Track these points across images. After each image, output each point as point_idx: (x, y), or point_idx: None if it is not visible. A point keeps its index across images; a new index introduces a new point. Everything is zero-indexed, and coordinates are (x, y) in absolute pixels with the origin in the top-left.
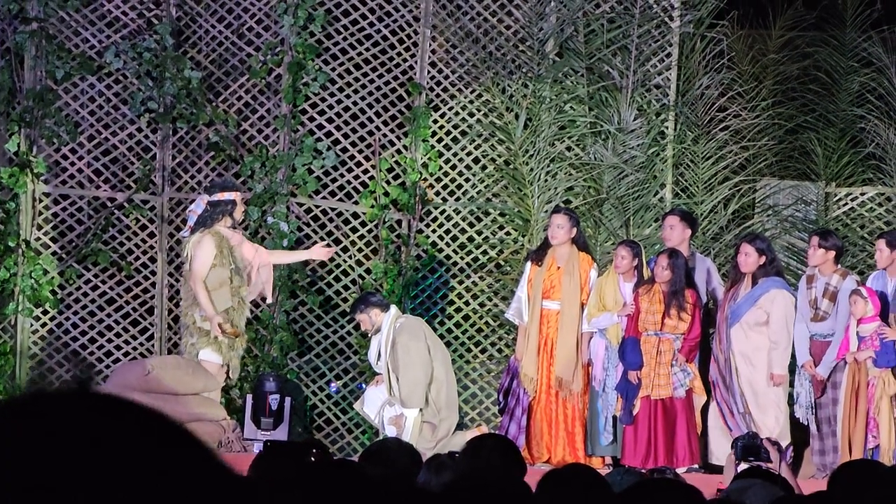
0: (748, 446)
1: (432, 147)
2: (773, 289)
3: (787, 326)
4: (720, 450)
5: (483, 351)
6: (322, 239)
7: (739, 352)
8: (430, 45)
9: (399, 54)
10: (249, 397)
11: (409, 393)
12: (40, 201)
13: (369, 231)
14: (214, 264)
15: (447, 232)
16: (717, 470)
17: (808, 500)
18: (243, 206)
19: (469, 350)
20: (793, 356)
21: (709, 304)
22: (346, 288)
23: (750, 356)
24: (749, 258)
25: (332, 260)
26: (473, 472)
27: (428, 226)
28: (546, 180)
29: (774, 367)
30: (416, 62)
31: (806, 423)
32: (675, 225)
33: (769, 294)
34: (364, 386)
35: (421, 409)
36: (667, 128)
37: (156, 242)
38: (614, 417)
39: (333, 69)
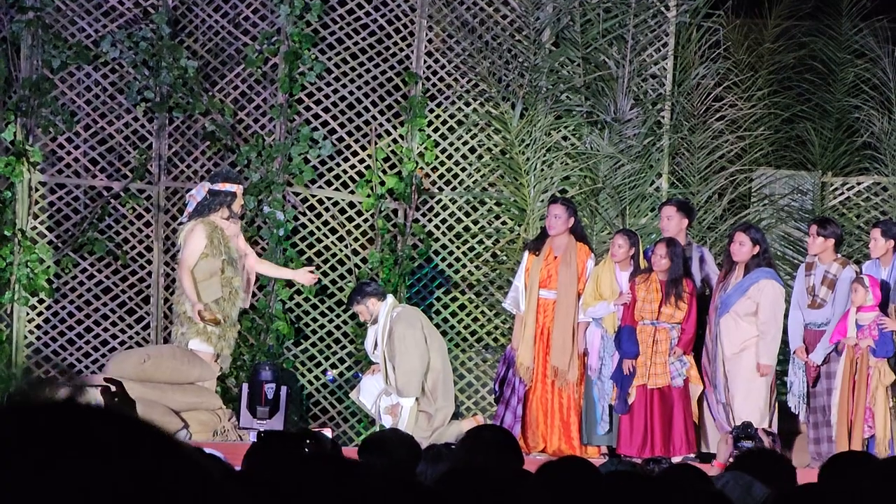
0: (743, 426)
1: (428, 136)
2: (762, 279)
3: (775, 316)
4: (716, 439)
5: (479, 340)
6: (318, 229)
7: (727, 341)
8: (427, 34)
9: (395, 44)
10: (245, 386)
11: (405, 382)
12: (36, 190)
13: (365, 220)
14: (206, 254)
15: (443, 221)
16: (713, 459)
17: (798, 492)
18: (242, 200)
19: (465, 339)
20: (787, 345)
21: (705, 293)
22: (342, 277)
23: (738, 346)
24: (743, 247)
25: (328, 249)
26: (469, 462)
27: (424, 215)
28: (542, 170)
29: (761, 357)
30: (412, 52)
31: (797, 413)
32: (672, 215)
33: (758, 284)
34: (361, 375)
35: (417, 399)
36: (663, 117)
37: (152, 231)
38: (610, 406)
39: (330, 59)
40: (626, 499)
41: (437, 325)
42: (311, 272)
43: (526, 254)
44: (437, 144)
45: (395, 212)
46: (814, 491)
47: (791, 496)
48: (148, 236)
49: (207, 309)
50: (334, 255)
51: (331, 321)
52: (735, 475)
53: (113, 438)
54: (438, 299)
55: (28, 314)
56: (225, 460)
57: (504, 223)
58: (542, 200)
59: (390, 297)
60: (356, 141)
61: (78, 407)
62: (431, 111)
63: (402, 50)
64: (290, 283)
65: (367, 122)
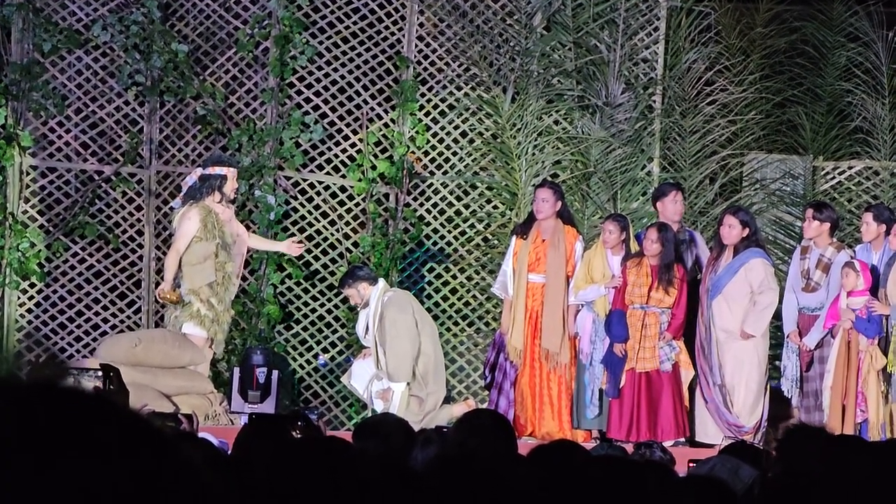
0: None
1: (420, 121)
2: (751, 259)
3: (770, 288)
4: (708, 424)
5: (470, 324)
6: (309, 213)
7: (720, 324)
8: (418, 18)
9: (387, 28)
10: (237, 370)
11: (396, 366)
12: (27, 174)
13: (357, 205)
14: (199, 238)
15: (434, 206)
16: (705, 445)
17: (787, 475)
18: (235, 184)
19: (456, 323)
20: (779, 329)
21: (696, 277)
22: (333, 261)
23: (730, 328)
24: (733, 230)
25: (319, 233)
26: (461, 446)
27: (415, 199)
28: (533, 154)
29: (746, 325)
30: (403, 36)
31: (790, 397)
32: (679, 200)
33: (748, 264)
34: (353, 359)
35: (408, 383)
36: (654, 102)
37: (143, 215)
38: (601, 391)
39: (321, 42)
40: (615, 483)
41: (429, 309)
42: (296, 242)
43: (514, 238)
44: (428, 129)
45: (386, 196)
46: (804, 474)
47: (780, 479)
48: (139, 220)
49: (172, 290)
50: (325, 239)
51: (322, 305)
52: (722, 458)
53: (113, 438)
54: (430, 283)
55: (19, 298)
56: (218, 445)
57: (495, 207)
58: (534, 185)
59: (381, 282)
60: (347, 125)
61: (78, 406)
62: (423, 95)
63: (393, 34)
64: (281, 267)
65: (358, 107)
